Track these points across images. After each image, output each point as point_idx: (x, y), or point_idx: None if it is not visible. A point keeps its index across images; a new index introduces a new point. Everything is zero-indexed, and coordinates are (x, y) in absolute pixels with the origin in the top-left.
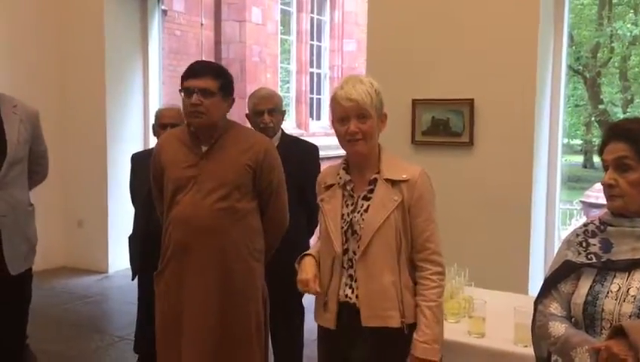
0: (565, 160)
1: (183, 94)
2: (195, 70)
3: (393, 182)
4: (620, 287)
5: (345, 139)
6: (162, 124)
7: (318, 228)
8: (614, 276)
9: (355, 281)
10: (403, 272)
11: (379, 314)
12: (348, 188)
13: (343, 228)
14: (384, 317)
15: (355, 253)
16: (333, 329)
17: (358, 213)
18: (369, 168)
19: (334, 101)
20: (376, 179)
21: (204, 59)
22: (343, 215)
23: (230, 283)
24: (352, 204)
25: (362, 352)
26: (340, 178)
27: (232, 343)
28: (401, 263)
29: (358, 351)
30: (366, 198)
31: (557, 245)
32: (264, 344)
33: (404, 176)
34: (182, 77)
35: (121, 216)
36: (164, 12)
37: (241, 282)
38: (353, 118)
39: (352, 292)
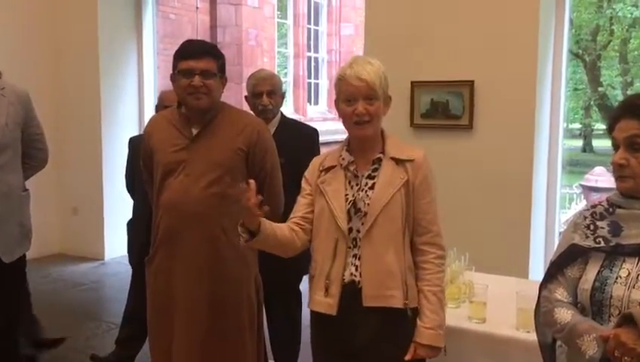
0: (564, 144)
1: (178, 75)
2: (194, 51)
3: (398, 161)
4: (629, 273)
5: (352, 121)
6: (166, 106)
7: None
8: (624, 261)
9: (359, 259)
10: (406, 253)
11: (381, 293)
12: (351, 168)
13: (346, 207)
14: (386, 297)
15: (359, 232)
16: (334, 315)
17: (363, 191)
18: (372, 149)
19: (342, 80)
20: (380, 158)
21: None
22: (346, 195)
23: (221, 271)
24: (356, 184)
25: (365, 335)
26: (343, 159)
27: (223, 331)
28: (405, 244)
29: (361, 334)
30: (370, 177)
31: (557, 229)
32: (257, 332)
33: (410, 156)
34: (177, 57)
35: (117, 203)
36: None
37: (233, 269)
38: (361, 98)
39: (356, 270)
